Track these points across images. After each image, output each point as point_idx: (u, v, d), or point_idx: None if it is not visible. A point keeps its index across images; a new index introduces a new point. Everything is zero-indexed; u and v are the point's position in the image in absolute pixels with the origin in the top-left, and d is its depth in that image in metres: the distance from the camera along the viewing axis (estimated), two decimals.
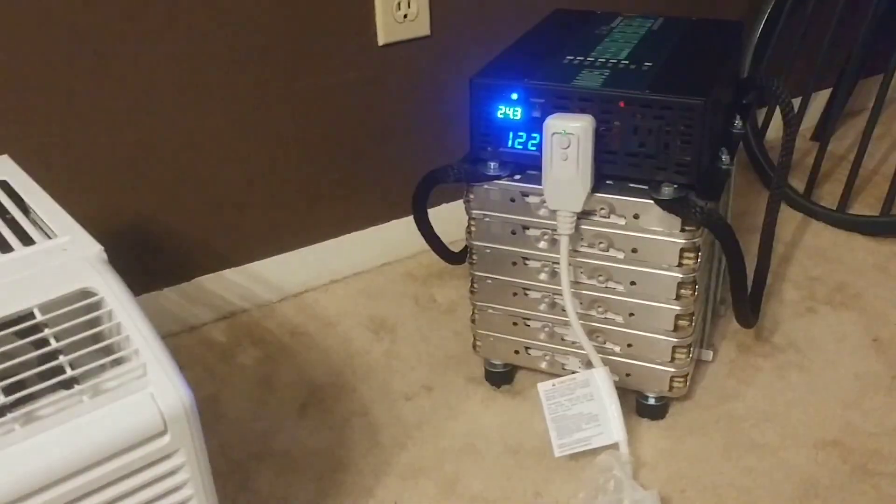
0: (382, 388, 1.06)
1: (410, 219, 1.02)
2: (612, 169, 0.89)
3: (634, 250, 0.91)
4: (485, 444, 0.97)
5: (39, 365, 0.62)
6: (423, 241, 1.04)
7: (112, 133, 1.04)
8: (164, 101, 1.06)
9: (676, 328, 0.94)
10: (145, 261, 1.12)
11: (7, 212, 0.74)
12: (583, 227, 0.92)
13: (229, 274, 1.19)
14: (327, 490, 0.91)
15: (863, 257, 1.29)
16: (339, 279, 1.27)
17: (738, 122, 1.03)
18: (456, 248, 1.06)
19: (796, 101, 1.52)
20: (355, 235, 1.27)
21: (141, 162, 1.07)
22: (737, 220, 1.38)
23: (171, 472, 0.64)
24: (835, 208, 1.38)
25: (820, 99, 1.64)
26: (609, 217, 0.90)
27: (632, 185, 0.90)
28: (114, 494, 0.61)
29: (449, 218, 1.22)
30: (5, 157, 0.83)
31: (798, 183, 1.47)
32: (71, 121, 1.01)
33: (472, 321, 1.03)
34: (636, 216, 0.89)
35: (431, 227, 1.03)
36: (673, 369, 0.96)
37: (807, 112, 1.56)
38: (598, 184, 0.90)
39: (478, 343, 1.04)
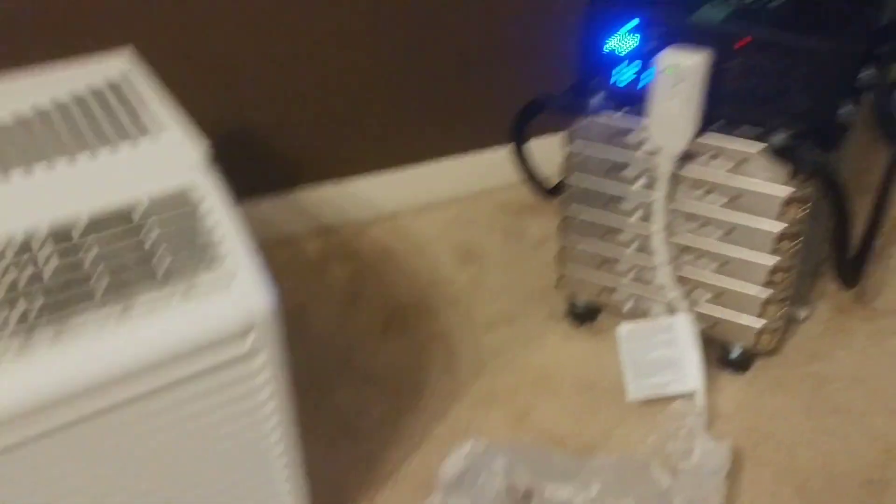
0: (464, 315, 1.07)
1: (508, 148, 1.00)
2: (722, 110, 0.85)
3: (735, 198, 0.88)
4: (560, 379, 0.97)
5: (138, 259, 0.65)
6: (520, 172, 1.03)
7: (229, 37, 1.05)
8: (277, 11, 1.06)
9: (770, 282, 0.90)
10: (246, 169, 1.15)
11: (123, 104, 0.77)
12: (684, 169, 0.89)
13: (327, 189, 1.21)
14: (402, 409, 0.94)
15: None
16: (433, 204, 1.28)
17: (868, 72, 0.96)
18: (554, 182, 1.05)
19: None
20: (453, 160, 1.27)
21: (252, 69, 1.09)
22: (854, 177, 1.31)
23: (253, 374, 0.66)
24: None
25: None
26: (713, 161, 0.87)
27: (741, 129, 0.86)
28: (197, 390, 0.64)
29: (546, 151, 1.20)
30: (128, 49, 0.85)
31: None
32: (192, 19, 1.03)
33: (559, 258, 1.02)
34: (742, 162, 0.86)
35: (527, 157, 1.02)
36: (762, 324, 0.93)
37: None
38: (706, 125, 0.86)
39: (563, 280, 1.03)
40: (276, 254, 1.18)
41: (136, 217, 0.66)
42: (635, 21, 0.85)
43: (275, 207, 1.18)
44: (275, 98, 1.12)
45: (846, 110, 0.88)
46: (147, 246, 0.65)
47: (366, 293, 1.11)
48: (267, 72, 1.10)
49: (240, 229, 0.67)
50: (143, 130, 0.73)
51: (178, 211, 0.67)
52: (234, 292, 0.65)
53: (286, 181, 1.18)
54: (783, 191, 0.85)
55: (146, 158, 0.70)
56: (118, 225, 0.65)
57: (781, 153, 0.82)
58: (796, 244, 0.88)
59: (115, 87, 0.79)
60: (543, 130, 1.27)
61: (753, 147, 0.84)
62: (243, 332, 0.65)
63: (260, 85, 1.11)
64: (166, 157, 0.70)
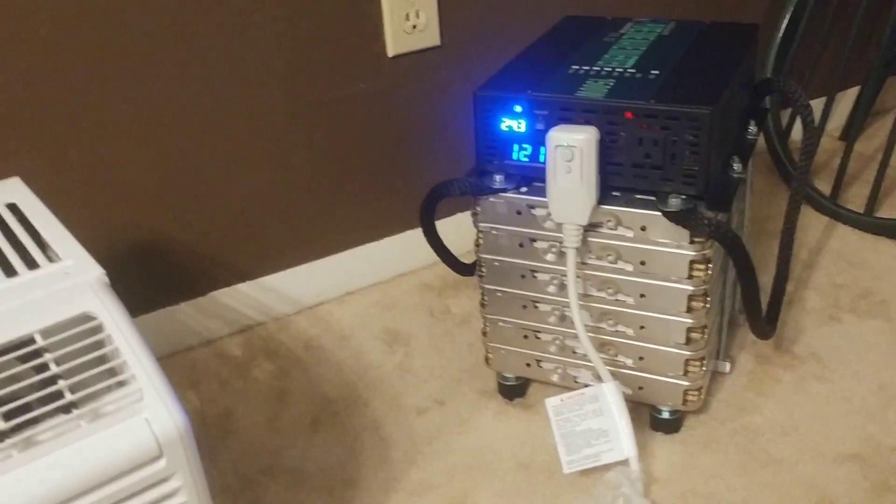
0: (395, 401, 1.06)
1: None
2: (618, 180, 0.88)
3: (643, 262, 0.90)
4: (496, 459, 0.96)
5: (40, 389, 0.63)
6: (436, 255, 1.04)
7: (126, 150, 1.05)
8: (176, 117, 1.07)
9: (689, 341, 0.92)
10: (161, 276, 1.14)
11: (14, 234, 0.76)
12: (590, 239, 0.90)
13: (245, 287, 1.19)
14: None
15: (890, 262, 1.25)
16: (355, 290, 1.27)
17: (752, 128, 1.01)
18: (472, 258, 1.06)
19: (821, 101, 1.49)
20: (371, 246, 1.27)
21: (154, 177, 1.08)
22: (760, 224, 1.36)
23: (169, 496, 0.64)
24: (862, 211, 1.35)
25: (848, 97, 1.60)
26: (616, 229, 0.89)
27: (639, 196, 0.88)
28: None
29: (463, 227, 1.21)
30: (16, 178, 0.84)
31: (824, 185, 1.43)
32: (84, 141, 1.02)
33: (484, 334, 1.03)
34: (643, 228, 0.88)
35: (440, 239, 1.03)
36: (686, 383, 0.94)
37: (834, 111, 1.52)
38: (604, 195, 0.88)
39: (490, 356, 1.04)
40: (200, 357, 1.16)
41: (37, 343, 0.64)
42: (523, 103, 0.88)
43: (194, 312, 1.16)
44: (184, 207, 1.11)
45: (735, 168, 0.92)
46: (51, 372, 0.63)
47: (293, 389, 1.09)
48: (169, 185, 1.10)
49: (143, 350, 0.65)
50: (39, 257, 0.72)
51: (80, 335, 0.65)
52: (142, 414, 0.63)
53: (202, 285, 1.17)
54: (686, 252, 0.87)
55: (45, 285, 0.68)
56: (19, 352, 0.63)
57: (676, 218, 0.84)
58: (707, 301, 0.90)
59: (8, 215, 0.77)
60: (459, 207, 1.29)
61: (651, 213, 0.86)
62: (155, 455, 0.63)
63: (161, 197, 1.10)
64: (64, 284, 0.69)
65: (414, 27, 1.16)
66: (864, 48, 1.52)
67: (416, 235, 1.29)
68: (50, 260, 0.73)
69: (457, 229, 1.22)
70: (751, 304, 0.93)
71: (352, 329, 1.19)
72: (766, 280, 1.04)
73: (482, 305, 1.01)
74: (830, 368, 1.06)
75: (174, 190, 1.10)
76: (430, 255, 1.05)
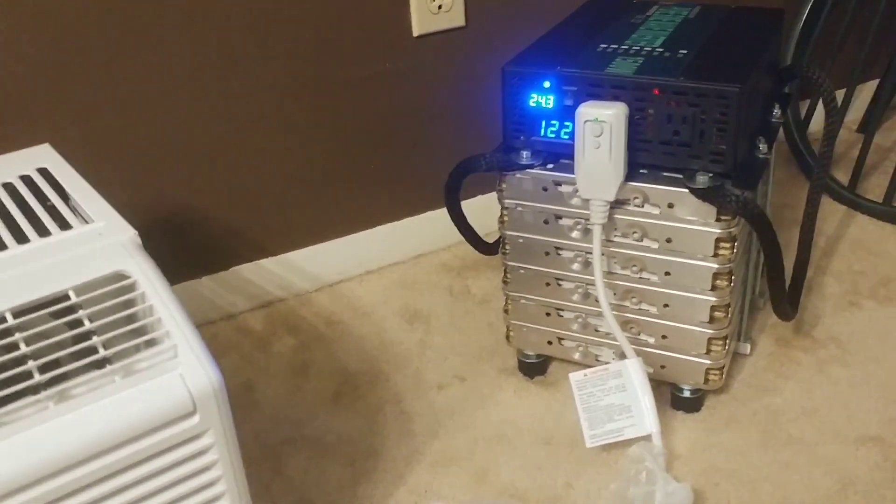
0: (415, 377, 1.06)
1: (446, 210, 1.02)
2: (645, 157, 0.88)
3: (669, 240, 0.90)
4: (517, 434, 0.97)
5: (74, 345, 0.63)
6: (459, 232, 1.04)
7: (151, 123, 1.06)
8: (202, 93, 1.07)
9: (712, 319, 0.92)
10: (184, 249, 1.14)
11: (47, 198, 0.76)
12: (616, 216, 0.91)
13: (267, 263, 1.20)
14: (359, 476, 0.92)
15: None
16: (375, 269, 1.28)
17: (776, 112, 1.01)
18: (491, 240, 1.06)
19: (841, 93, 1.49)
20: (391, 226, 1.27)
21: (180, 152, 1.09)
22: (778, 212, 1.36)
23: (201, 453, 0.65)
24: (880, 201, 1.35)
25: (866, 90, 1.60)
26: (643, 206, 0.89)
27: (666, 173, 0.88)
28: (144, 473, 0.62)
29: (484, 209, 1.22)
30: (46, 145, 0.85)
31: (842, 175, 1.43)
32: (111, 111, 1.03)
33: (506, 311, 1.03)
34: (670, 205, 0.88)
35: (464, 216, 1.03)
36: (709, 361, 0.95)
37: (853, 103, 1.52)
38: (632, 172, 0.88)
39: (511, 333, 1.04)
40: (220, 331, 1.16)
41: (71, 300, 0.65)
42: (552, 79, 0.88)
43: (215, 286, 1.17)
44: (207, 182, 1.12)
45: (762, 149, 0.92)
46: (84, 328, 0.63)
47: (314, 363, 1.10)
48: (194, 158, 1.10)
49: (178, 308, 0.66)
50: (72, 219, 0.72)
51: (113, 293, 0.66)
52: (177, 370, 0.64)
53: (224, 260, 1.17)
54: (712, 230, 0.87)
55: (77, 245, 0.69)
56: (53, 308, 0.64)
57: (704, 195, 0.85)
58: (732, 280, 0.90)
59: (39, 179, 0.78)
60: (481, 189, 1.30)
61: (679, 190, 0.87)
62: (189, 411, 0.63)
63: (187, 172, 1.10)
64: (97, 243, 0.69)
65: (440, 7, 1.17)
66: (885, 40, 1.51)
67: (437, 216, 1.29)
68: (83, 221, 0.73)
69: (478, 210, 1.22)
70: (775, 282, 0.93)
71: (372, 306, 1.20)
72: (786, 266, 1.04)
73: (504, 282, 1.01)
74: (850, 353, 1.06)
75: (199, 163, 1.11)
76: (449, 236, 1.05)
